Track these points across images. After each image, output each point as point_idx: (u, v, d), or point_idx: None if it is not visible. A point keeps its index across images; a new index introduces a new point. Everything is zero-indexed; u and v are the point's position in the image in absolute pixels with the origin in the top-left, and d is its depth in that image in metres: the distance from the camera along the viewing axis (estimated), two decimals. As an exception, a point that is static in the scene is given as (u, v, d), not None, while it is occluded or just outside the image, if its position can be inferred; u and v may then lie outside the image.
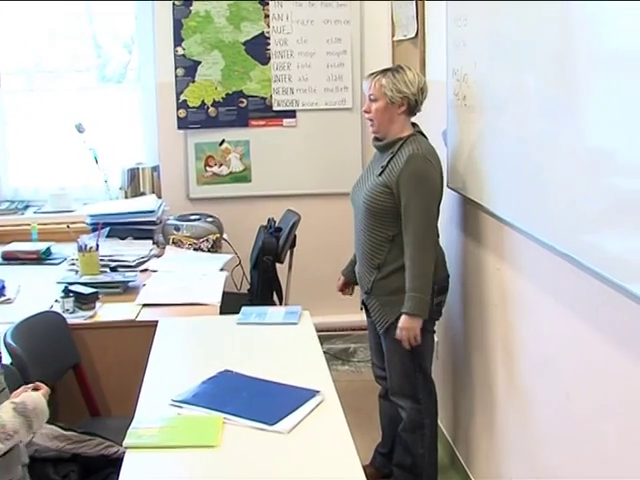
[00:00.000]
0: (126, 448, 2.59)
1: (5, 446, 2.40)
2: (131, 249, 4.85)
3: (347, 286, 4.37)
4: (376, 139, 4.03)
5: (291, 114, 6.01)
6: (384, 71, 3.94)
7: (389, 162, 3.86)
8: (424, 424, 4.08)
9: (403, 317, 3.80)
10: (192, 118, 5.93)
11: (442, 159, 4.08)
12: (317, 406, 2.82)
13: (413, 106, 3.91)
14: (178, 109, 5.92)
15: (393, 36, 5.52)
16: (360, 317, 4.46)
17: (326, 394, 2.90)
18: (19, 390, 2.54)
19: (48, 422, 3.16)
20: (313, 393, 2.89)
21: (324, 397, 2.88)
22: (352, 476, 2.41)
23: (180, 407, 2.83)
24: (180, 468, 2.51)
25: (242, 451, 2.56)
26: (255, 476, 2.43)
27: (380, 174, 3.88)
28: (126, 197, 5.63)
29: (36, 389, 2.62)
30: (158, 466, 2.52)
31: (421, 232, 3.81)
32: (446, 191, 4.16)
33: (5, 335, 3.42)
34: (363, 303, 4.14)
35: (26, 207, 6.00)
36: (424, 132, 4.00)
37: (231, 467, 2.48)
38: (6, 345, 3.37)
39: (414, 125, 3.98)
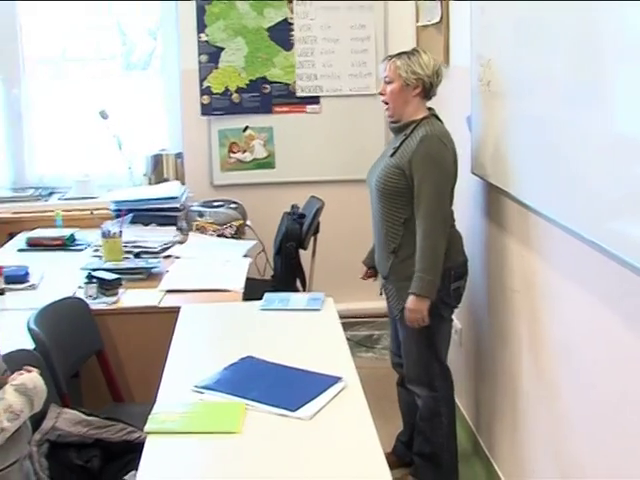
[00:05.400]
0: (147, 433, 2.60)
1: (14, 425, 2.44)
2: (154, 235, 4.85)
3: (370, 274, 4.36)
4: (393, 122, 4.02)
5: (315, 100, 6.00)
6: (399, 54, 3.95)
7: (402, 143, 3.87)
8: (441, 412, 4.08)
9: (410, 298, 3.80)
10: (216, 104, 5.93)
11: (466, 145, 4.06)
12: (339, 393, 2.81)
13: (428, 89, 3.91)
14: (202, 95, 5.92)
15: (417, 21, 5.48)
16: (383, 304, 4.45)
17: (349, 381, 2.89)
18: (14, 375, 2.55)
19: (72, 407, 3.19)
20: (335, 380, 2.87)
21: (346, 384, 2.86)
22: (374, 464, 2.40)
23: (202, 393, 2.83)
24: (201, 454, 2.51)
25: (264, 437, 2.56)
26: (277, 462, 2.42)
27: (392, 155, 3.89)
28: (150, 184, 5.63)
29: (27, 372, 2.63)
30: (179, 452, 2.51)
31: (432, 214, 3.79)
32: (470, 177, 4.14)
33: (29, 321, 3.43)
34: (383, 288, 4.14)
35: (50, 194, 6.02)
36: (448, 118, 3.98)
37: (253, 453, 2.48)
38: (30, 330, 3.38)
39: (429, 109, 3.96)
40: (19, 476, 2.47)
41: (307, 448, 2.50)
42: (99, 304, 3.90)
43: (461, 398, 4.73)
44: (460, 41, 4.48)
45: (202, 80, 5.91)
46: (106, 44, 6.27)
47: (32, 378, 2.54)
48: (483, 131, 4.05)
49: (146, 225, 5.03)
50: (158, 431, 2.59)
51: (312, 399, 2.74)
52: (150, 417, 2.66)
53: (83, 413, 3.18)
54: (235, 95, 5.92)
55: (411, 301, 3.80)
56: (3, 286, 4.15)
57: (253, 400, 2.74)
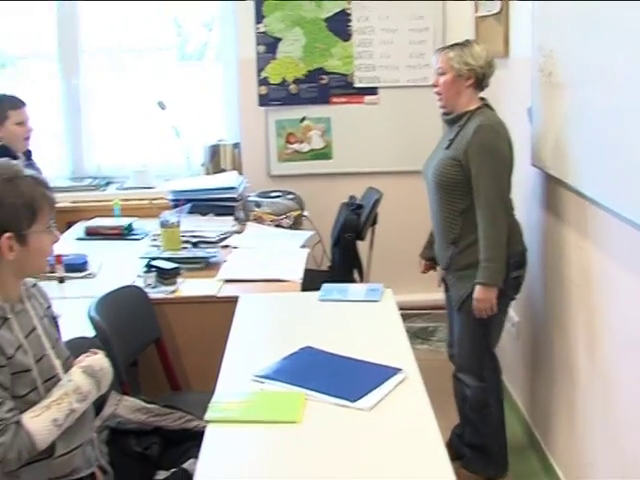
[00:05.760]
0: (207, 422, 2.60)
1: (82, 406, 2.46)
2: (212, 225, 4.85)
3: (429, 267, 4.35)
4: (445, 113, 4.01)
5: (372, 91, 5.98)
6: (452, 45, 3.96)
7: (457, 135, 3.87)
8: (489, 403, 4.08)
9: (478, 288, 3.79)
10: (273, 95, 5.93)
11: (526, 137, 4.02)
12: (399, 384, 2.79)
13: (480, 79, 3.89)
14: (259, 86, 5.93)
15: (476, 12, 5.44)
16: (440, 296, 4.43)
17: (408, 372, 2.87)
18: (80, 357, 2.57)
19: (132, 395, 3.22)
20: (395, 371, 2.86)
21: (406, 375, 2.85)
22: (434, 455, 2.37)
23: (262, 382, 2.82)
24: (261, 443, 2.51)
25: (323, 427, 2.55)
26: (337, 453, 2.41)
27: (448, 147, 3.89)
28: (207, 174, 5.65)
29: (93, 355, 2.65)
30: (239, 440, 2.51)
31: (492, 203, 3.79)
32: (529, 169, 4.11)
33: (89, 309, 3.45)
34: (442, 279, 4.14)
35: (108, 183, 6.08)
36: (507, 109, 3.95)
37: (313, 443, 2.47)
38: (90, 318, 3.40)
39: (482, 99, 3.95)
40: (81, 460, 2.49)
41: (367, 439, 2.48)
42: (158, 293, 3.92)
43: (517, 391, 4.71)
44: (520, 32, 4.44)
45: (260, 71, 5.92)
46: (162, 35, 6.29)
47: (98, 360, 2.56)
48: (544, 123, 4.01)
49: (204, 215, 5.03)
50: (218, 420, 2.59)
51: (372, 390, 2.72)
52: (210, 405, 2.66)
53: (143, 401, 3.21)
54: (293, 86, 5.93)
55: (479, 291, 3.79)
56: (63, 274, 4.19)
57: (313, 390, 2.73)
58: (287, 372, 2.88)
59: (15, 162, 2.45)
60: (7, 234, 2.31)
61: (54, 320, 2.60)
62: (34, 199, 2.36)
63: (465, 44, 3.92)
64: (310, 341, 3.14)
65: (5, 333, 2.31)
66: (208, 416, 2.61)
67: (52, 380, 2.44)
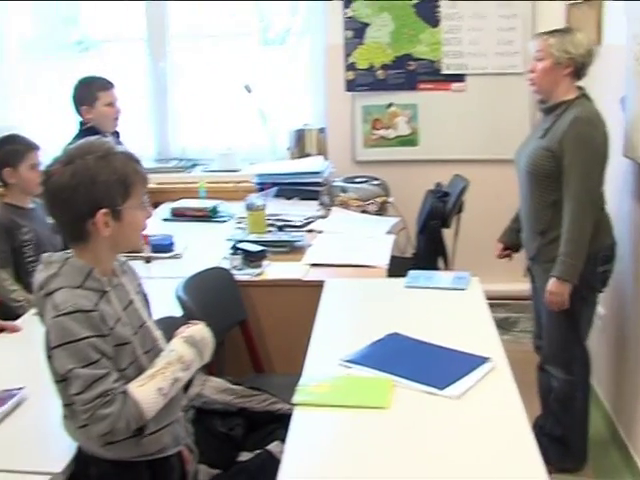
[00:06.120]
0: (294, 405, 2.60)
1: (186, 375, 2.47)
2: (297, 209, 4.86)
3: (506, 251, 4.32)
4: (541, 101, 3.96)
5: (460, 78, 5.91)
6: (552, 31, 3.88)
7: (552, 124, 3.80)
8: (575, 396, 4.03)
9: (552, 281, 3.76)
10: (360, 81, 5.91)
11: (619, 127, 3.95)
12: (487, 373, 2.76)
13: (579, 69, 3.81)
14: (346, 71, 5.90)
15: (568, -2, 5.36)
16: (523, 286, 4.39)
17: (497, 362, 2.84)
18: (181, 328, 2.58)
19: (217, 376, 3.23)
20: (483, 360, 2.83)
21: (495, 365, 2.81)
22: (523, 446, 2.34)
23: (349, 367, 2.82)
24: (349, 427, 2.49)
25: (411, 414, 2.53)
26: (425, 440, 2.40)
27: (542, 136, 3.83)
28: (292, 158, 5.65)
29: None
30: (327, 424, 2.52)
31: (580, 197, 3.72)
32: (621, 160, 4.03)
33: (177, 289, 3.48)
34: (528, 269, 4.09)
35: (193, 166, 6.12)
36: (599, 98, 3.88)
37: (401, 430, 2.45)
38: (178, 298, 3.43)
39: (579, 88, 3.87)
40: (170, 439, 2.50)
41: (455, 427, 2.46)
42: (244, 275, 3.94)
43: (601, 385, 4.64)
44: (615, 19, 4.35)
45: (347, 56, 5.90)
46: (246, 20, 6.29)
47: (200, 330, 2.57)
48: (638, 113, 3.93)
49: (288, 199, 5.04)
50: (306, 403, 2.59)
51: (460, 378, 2.70)
52: (298, 389, 2.66)
53: (229, 382, 3.22)
54: (380, 71, 5.89)
55: (552, 284, 3.76)
56: (149, 254, 4.23)
57: (400, 376, 2.72)
58: (374, 357, 2.87)
59: (107, 139, 2.46)
60: (102, 210, 2.33)
61: (145, 297, 2.62)
62: (127, 175, 2.38)
63: (566, 31, 3.86)
64: (396, 327, 3.13)
65: (104, 306, 2.33)
66: (296, 399, 2.62)
67: (153, 351, 2.47)
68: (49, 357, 2.37)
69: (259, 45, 6.40)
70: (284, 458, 2.32)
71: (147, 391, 2.33)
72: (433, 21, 5.84)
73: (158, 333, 2.55)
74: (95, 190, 2.31)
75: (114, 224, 2.36)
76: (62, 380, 2.34)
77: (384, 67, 5.89)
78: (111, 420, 2.24)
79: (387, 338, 3.04)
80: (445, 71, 5.89)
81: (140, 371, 2.39)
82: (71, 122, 5.03)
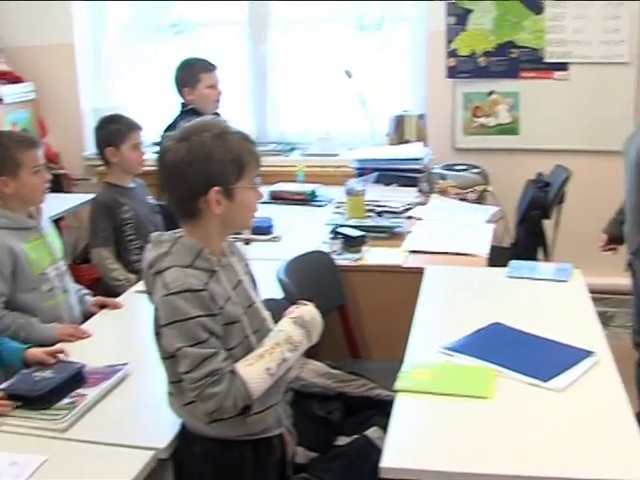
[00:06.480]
0: (396, 391, 2.59)
1: (294, 356, 2.47)
2: (396, 195, 4.84)
3: (610, 244, 4.24)
4: None
5: (563, 67, 5.82)
6: None
7: None
8: None
9: None
10: (461, 67, 5.86)
11: None
12: (591, 367, 2.72)
13: None
14: (448, 58, 5.86)
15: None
16: (621, 281, 4.32)
17: (601, 356, 2.79)
18: (290, 308, 2.59)
19: (317, 359, 3.24)
20: (587, 353, 2.79)
21: (599, 359, 2.77)
22: (629, 442, 2.30)
23: (451, 355, 2.80)
24: (452, 416, 2.47)
25: (514, 405, 2.51)
26: (528, 431, 2.37)
27: None
28: (391, 144, 5.62)
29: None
30: (429, 411, 2.51)
31: None
32: None
33: (278, 271, 3.50)
34: (629, 264, 4.01)
35: (292, 149, 6.15)
36: None
37: (504, 421, 2.43)
38: (279, 280, 3.45)
39: None
40: (273, 420, 2.51)
41: (559, 420, 2.42)
42: (343, 260, 3.94)
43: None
44: None
45: (449, 42, 5.85)
46: (343, 5, 6.25)
47: (309, 311, 2.57)
48: None
49: (387, 185, 5.03)
50: (408, 389, 2.58)
51: (564, 371, 2.66)
52: (400, 375, 2.65)
53: (328, 365, 3.23)
54: (482, 58, 5.83)
55: None
56: (249, 237, 4.25)
57: (503, 367, 2.69)
58: (477, 346, 2.85)
59: (223, 119, 2.48)
60: (215, 188, 2.34)
61: (252, 278, 2.63)
62: (242, 155, 2.39)
63: None
64: (497, 317, 3.10)
65: (214, 285, 2.35)
66: (398, 385, 2.61)
67: (261, 331, 2.48)
68: (157, 334, 2.40)
69: (356, 30, 6.37)
70: (386, 444, 2.31)
71: (255, 371, 2.35)
72: (537, 8, 5.75)
73: (266, 314, 2.56)
74: (210, 167, 2.33)
75: (226, 203, 2.37)
76: (170, 357, 2.37)
77: (486, 54, 5.83)
78: (219, 399, 2.27)
79: (489, 327, 3.01)
80: (548, 59, 5.80)
81: (248, 350, 2.41)
82: (172, 103, 5.08)
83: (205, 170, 2.33)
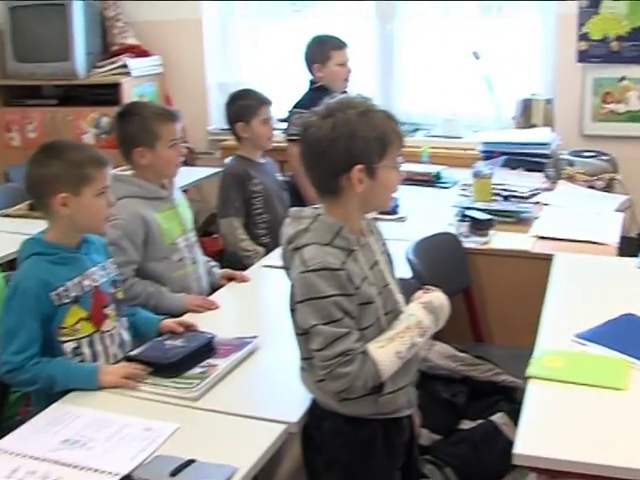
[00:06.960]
0: (529, 377, 2.57)
1: (422, 341, 2.48)
2: (522, 180, 4.79)
3: None
4: None
5: None
6: None
7: None
8: None
9: None
10: (593, 52, 5.72)
11: None
12: None
13: None
14: (579, 42, 5.74)
15: None
16: None
17: None
18: (417, 293, 2.58)
19: (444, 341, 3.24)
20: None
21: None
22: None
23: (584, 344, 2.76)
24: (585, 405, 2.44)
25: (649, 398, 2.47)
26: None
27: None
28: (517, 128, 5.55)
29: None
30: (562, 399, 2.47)
31: None
32: None
33: (407, 251, 3.50)
34: None
35: (416, 130, 6.11)
36: None
37: (638, 413, 2.39)
38: (408, 260, 3.45)
39: None
40: (404, 400, 2.52)
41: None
42: (470, 243, 3.93)
43: None
44: None
45: (580, 26, 5.73)
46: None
47: (438, 297, 2.58)
48: None
49: (513, 169, 4.96)
50: (541, 376, 2.55)
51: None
52: (532, 361, 2.63)
53: (455, 348, 3.22)
54: (614, 43, 5.69)
55: None
56: (375, 216, 4.24)
57: (637, 359, 2.64)
58: (610, 337, 2.80)
59: (368, 96, 2.47)
60: (358, 166, 2.33)
61: (389, 257, 2.63)
62: (386, 134, 2.38)
63: None
64: (629, 308, 3.03)
65: (352, 265, 2.35)
66: (530, 372, 2.58)
67: (393, 313, 2.47)
68: (292, 310, 2.42)
69: (485, 12, 6.29)
70: (519, 430, 2.30)
71: (386, 353, 2.35)
72: (674, -8, 5.60)
73: (400, 296, 2.55)
74: (354, 145, 2.32)
75: (368, 181, 2.36)
76: (304, 334, 2.38)
77: (619, 39, 5.68)
78: (349, 379, 2.28)
79: (622, 318, 2.96)
80: (683, 46, 5.66)
81: (379, 331, 2.41)
82: (298, 80, 5.10)
83: (349, 148, 2.32)
